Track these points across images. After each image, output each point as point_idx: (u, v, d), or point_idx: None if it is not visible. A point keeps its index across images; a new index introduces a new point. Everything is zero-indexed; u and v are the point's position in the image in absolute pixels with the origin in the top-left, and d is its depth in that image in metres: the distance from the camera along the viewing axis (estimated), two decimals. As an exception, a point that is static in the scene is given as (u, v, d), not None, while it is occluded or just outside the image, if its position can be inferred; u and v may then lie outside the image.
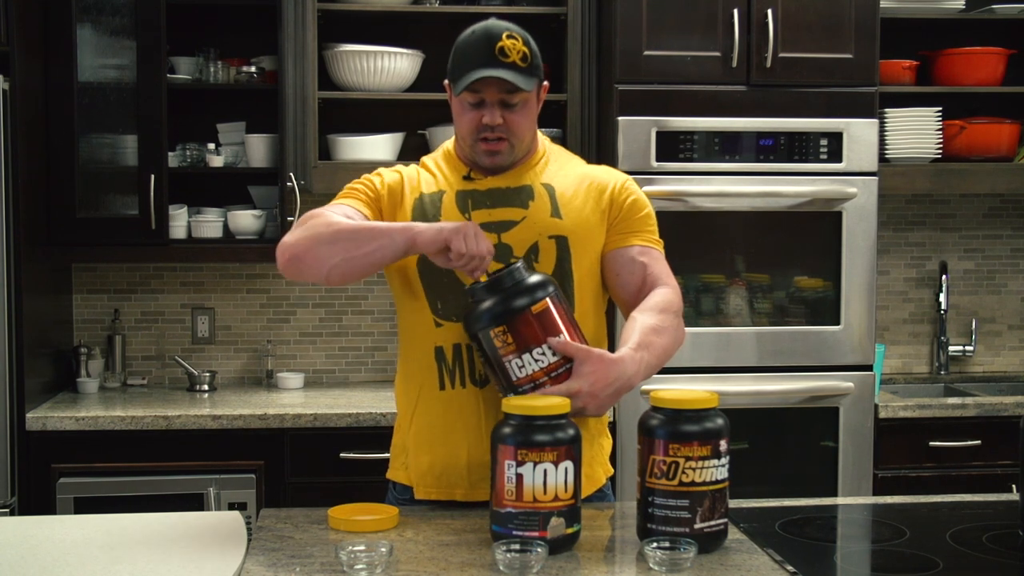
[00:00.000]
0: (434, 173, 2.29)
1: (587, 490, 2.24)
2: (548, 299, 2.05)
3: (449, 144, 2.33)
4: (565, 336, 2.05)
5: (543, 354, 2.03)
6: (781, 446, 3.69)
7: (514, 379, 2.04)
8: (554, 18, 3.87)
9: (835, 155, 3.64)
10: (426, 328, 2.22)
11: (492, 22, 2.19)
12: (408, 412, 2.27)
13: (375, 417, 3.52)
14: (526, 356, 2.03)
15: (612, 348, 2.13)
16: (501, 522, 1.90)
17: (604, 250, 2.27)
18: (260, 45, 3.94)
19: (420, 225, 2.09)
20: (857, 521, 2.29)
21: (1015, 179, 4.04)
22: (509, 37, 2.15)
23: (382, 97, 3.86)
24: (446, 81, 2.24)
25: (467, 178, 2.26)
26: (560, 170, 2.30)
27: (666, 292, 2.24)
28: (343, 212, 2.21)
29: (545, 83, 2.27)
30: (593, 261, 2.26)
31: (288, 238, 2.19)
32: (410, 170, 2.32)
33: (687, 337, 3.50)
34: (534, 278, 2.07)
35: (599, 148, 3.77)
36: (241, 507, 3.40)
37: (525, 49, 2.16)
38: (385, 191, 2.27)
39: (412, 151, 3.88)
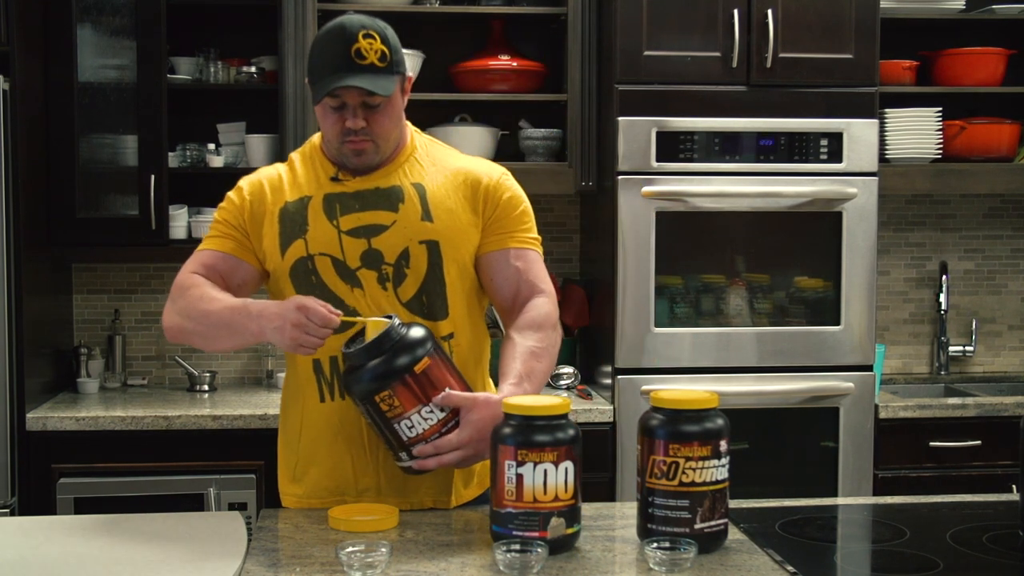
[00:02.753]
0: (299, 175, 2.25)
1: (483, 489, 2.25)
2: (428, 356, 2.02)
3: (316, 139, 2.29)
4: (454, 387, 2.05)
5: (431, 412, 2.03)
6: (781, 446, 3.69)
7: (405, 439, 2.04)
8: (554, 18, 3.86)
9: (835, 155, 3.64)
10: None
11: (347, 19, 2.13)
12: (296, 426, 2.27)
13: (375, 417, 3.51)
14: (415, 417, 2.02)
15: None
16: (501, 522, 1.90)
17: (479, 252, 2.24)
18: (260, 45, 3.94)
19: (265, 320, 2.06)
20: (857, 521, 2.29)
21: (1015, 179, 4.04)
22: (366, 36, 2.10)
23: (382, 97, 3.86)
24: (307, 80, 2.20)
25: (335, 179, 2.22)
26: (432, 166, 2.26)
27: (542, 304, 2.23)
28: (208, 266, 2.23)
29: (410, 75, 2.22)
30: (466, 262, 2.23)
31: (165, 316, 2.25)
32: (272, 174, 2.29)
33: (688, 337, 3.60)
34: (411, 335, 2.03)
35: (599, 148, 3.77)
36: (241, 507, 3.40)
37: (383, 48, 2.11)
38: (247, 208, 2.26)
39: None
